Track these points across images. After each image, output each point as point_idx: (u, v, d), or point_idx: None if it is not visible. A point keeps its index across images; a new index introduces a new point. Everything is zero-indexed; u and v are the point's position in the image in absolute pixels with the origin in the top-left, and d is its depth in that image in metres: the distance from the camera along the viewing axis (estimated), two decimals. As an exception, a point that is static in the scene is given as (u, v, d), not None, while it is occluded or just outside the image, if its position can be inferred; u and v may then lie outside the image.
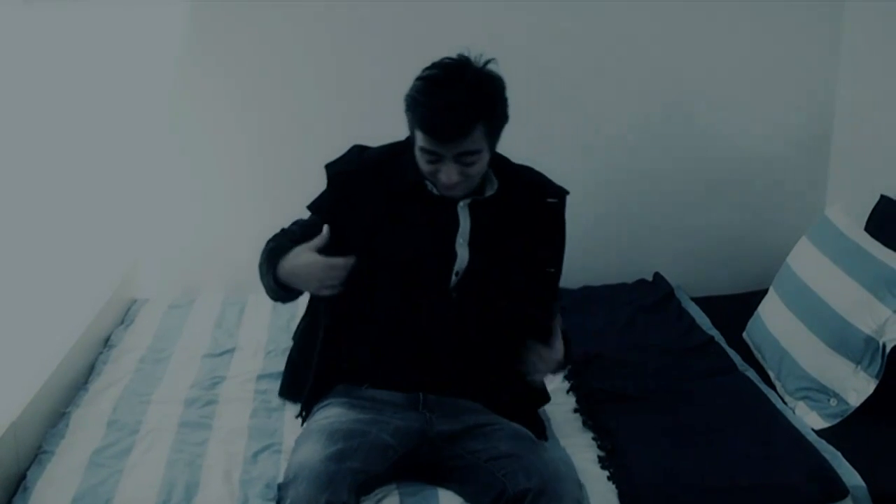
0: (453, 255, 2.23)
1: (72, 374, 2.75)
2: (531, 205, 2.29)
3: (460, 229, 2.23)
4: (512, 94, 3.32)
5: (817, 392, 2.56)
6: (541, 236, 2.31)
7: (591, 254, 3.55)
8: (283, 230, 2.36)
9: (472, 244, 2.24)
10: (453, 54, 2.13)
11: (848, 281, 2.59)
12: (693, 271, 3.58)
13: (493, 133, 2.15)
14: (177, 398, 2.66)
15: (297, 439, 2.21)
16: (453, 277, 2.24)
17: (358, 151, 2.33)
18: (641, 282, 3.49)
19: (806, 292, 2.73)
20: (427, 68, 2.13)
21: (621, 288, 3.43)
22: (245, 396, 2.66)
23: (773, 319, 2.85)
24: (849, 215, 2.88)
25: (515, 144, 3.31)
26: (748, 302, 3.10)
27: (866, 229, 2.88)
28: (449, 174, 2.10)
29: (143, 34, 3.23)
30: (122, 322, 3.21)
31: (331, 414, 2.19)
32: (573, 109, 3.46)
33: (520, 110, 3.35)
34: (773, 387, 2.71)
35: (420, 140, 2.10)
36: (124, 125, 3.33)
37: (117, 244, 3.42)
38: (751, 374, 2.75)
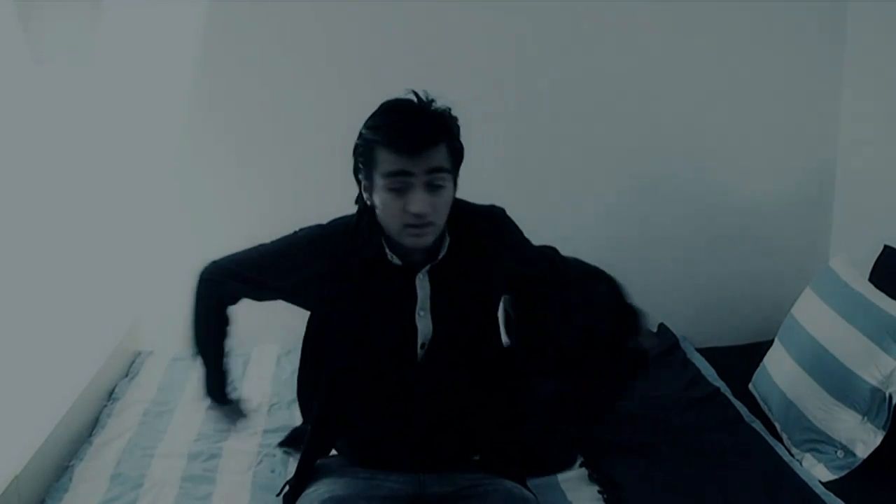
0: (413, 329, 2.12)
1: (76, 426, 2.75)
2: (479, 242, 2.15)
3: (419, 301, 2.10)
4: (512, 142, 3.38)
5: (824, 444, 2.55)
6: (505, 261, 2.20)
7: (594, 304, 3.56)
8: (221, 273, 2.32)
9: (435, 312, 2.12)
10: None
11: (853, 332, 2.58)
12: (698, 322, 3.58)
13: (454, 163, 2.02)
14: (180, 451, 2.65)
15: None
16: (419, 351, 2.13)
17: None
18: (646, 332, 3.47)
19: (811, 343, 2.72)
20: (371, 115, 2.06)
21: (626, 339, 3.42)
22: (249, 450, 2.65)
23: (779, 371, 2.84)
24: (853, 266, 2.88)
25: (517, 194, 3.36)
26: (754, 353, 3.09)
27: (870, 280, 2.88)
28: (419, 202, 1.94)
29: (148, 94, 3.28)
30: (126, 375, 3.21)
31: (321, 486, 2.14)
32: (578, 161, 3.48)
33: (521, 160, 3.42)
34: (779, 438, 2.70)
35: (385, 164, 1.96)
36: (129, 182, 3.36)
37: (121, 297, 3.43)
38: (757, 425, 2.74)
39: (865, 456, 2.47)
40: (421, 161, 1.94)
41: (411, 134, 1.94)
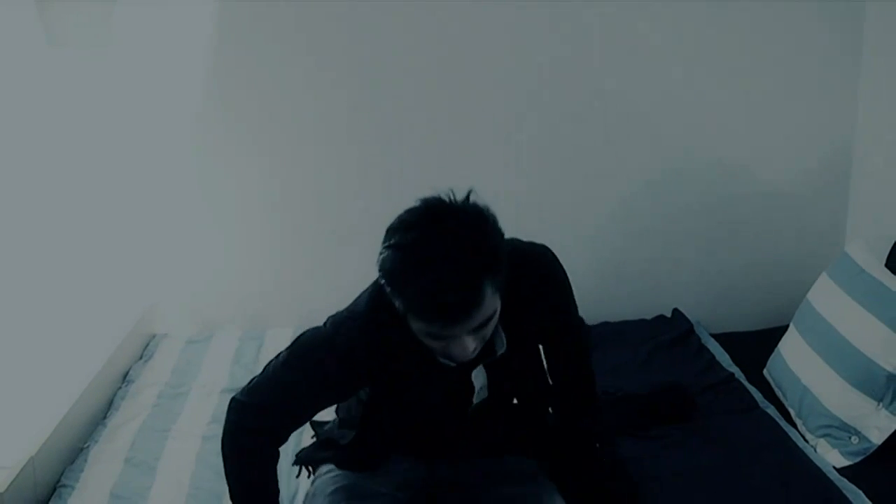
0: (470, 392, 1.95)
1: (90, 409, 2.77)
2: (523, 290, 1.86)
3: (476, 392, 1.94)
4: (534, 126, 3.37)
5: (839, 430, 2.54)
6: (548, 312, 1.98)
7: (609, 290, 3.56)
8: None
9: (490, 371, 1.94)
10: (425, 194, 1.68)
11: (869, 318, 2.57)
12: (712, 307, 3.58)
13: (501, 278, 1.66)
14: (195, 433, 2.67)
15: None
16: (473, 402, 1.98)
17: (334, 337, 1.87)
18: (660, 318, 3.49)
19: (826, 329, 2.71)
20: (398, 228, 1.64)
21: (640, 324, 3.43)
22: (263, 432, 2.65)
23: (794, 356, 2.83)
24: (869, 252, 2.86)
25: (532, 188, 3.37)
26: (768, 338, 3.08)
27: (887, 265, 2.87)
28: (463, 349, 1.67)
29: (166, 83, 3.27)
30: (140, 357, 3.22)
31: (334, 469, 2.12)
32: (592, 144, 3.46)
33: (539, 154, 3.42)
34: (793, 424, 2.70)
35: (416, 325, 1.64)
36: (146, 170, 3.36)
37: (137, 280, 3.43)
38: (771, 411, 2.74)
39: (880, 442, 2.46)
40: (463, 326, 1.63)
41: (446, 306, 1.58)
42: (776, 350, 2.97)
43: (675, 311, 3.48)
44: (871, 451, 2.47)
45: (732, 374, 2.95)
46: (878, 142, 3.38)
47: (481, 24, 3.27)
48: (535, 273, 1.93)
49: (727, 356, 3.10)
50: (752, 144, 3.52)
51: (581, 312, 2.16)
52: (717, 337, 3.29)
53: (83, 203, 3.27)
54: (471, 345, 1.68)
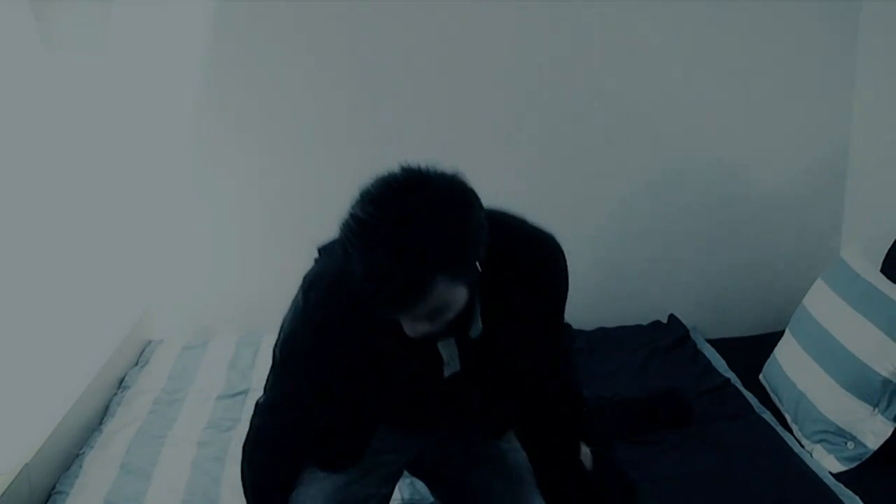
0: (439, 365, 1.83)
1: (86, 415, 2.77)
2: (519, 275, 1.77)
3: (445, 360, 1.82)
4: (534, 126, 3.36)
5: (834, 435, 2.54)
6: (541, 299, 1.84)
7: (605, 295, 3.55)
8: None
9: (462, 352, 1.82)
10: (411, 162, 1.56)
11: (864, 323, 2.57)
12: (708, 313, 3.58)
13: (467, 270, 1.56)
14: (191, 440, 2.67)
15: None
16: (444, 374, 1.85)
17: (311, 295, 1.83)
18: (656, 323, 3.49)
19: (822, 335, 2.71)
20: (364, 195, 1.53)
21: (636, 329, 3.43)
22: (258, 438, 2.65)
23: (790, 362, 2.83)
24: (864, 257, 2.86)
25: (535, 179, 3.36)
26: (764, 344, 3.07)
27: (882, 271, 2.86)
28: (413, 330, 1.60)
29: (164, 84, 3.27)
30: (136, 363, 3.22)
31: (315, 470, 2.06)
32: (592, 144, 3.46)
33: (539, 158, 3.41)
34: (789, 430, 2.70)
35: None
36: (141, 172, 3.35)
37: (132, 285, 3.44)
38: (767, 416, 2.74)
39: (876, 447, 2.46)
40: (405, 314, 1.58)
41: (386, 294, 1.49)
42: (772, 355, 2.97)
43: (671, 316, 3.49)
44: (867, 456, 2.47)
45: (728, 380, 2.95)
46: (874, 142, 3.38)
47: (481, 24, 3.26)
48: (535, 256, 1.82)
49: (723, 362, 3.11)
50: (752, 144, 3.51)
51: (579, 313, 2.10)
52: (712, 342, 3.29)
53: (80, 206, 3.26)
54: (421, 328, 1.59)
